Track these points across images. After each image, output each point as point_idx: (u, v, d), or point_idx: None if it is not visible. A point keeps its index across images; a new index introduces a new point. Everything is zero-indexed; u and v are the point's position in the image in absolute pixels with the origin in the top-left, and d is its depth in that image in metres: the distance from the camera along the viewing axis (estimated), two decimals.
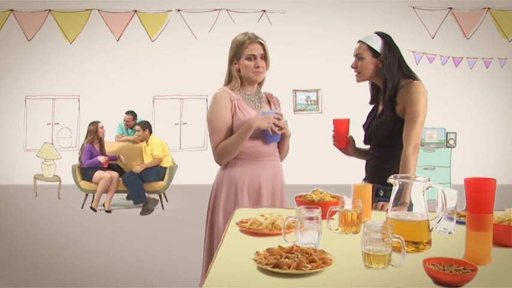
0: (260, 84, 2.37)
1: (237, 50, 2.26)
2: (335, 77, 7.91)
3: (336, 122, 2.38)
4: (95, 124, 6.61)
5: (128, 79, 8.57)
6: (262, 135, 2.23)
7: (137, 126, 6.72)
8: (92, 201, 6.32)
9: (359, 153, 2.42)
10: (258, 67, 2.24)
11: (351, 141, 2.39)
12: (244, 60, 2.25)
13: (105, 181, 6.28)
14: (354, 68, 2.26)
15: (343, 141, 2.37)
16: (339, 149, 2.42)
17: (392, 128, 2.16)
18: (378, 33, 2.24)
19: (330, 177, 6.97)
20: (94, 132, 6.55)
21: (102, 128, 6.62)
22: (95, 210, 6.27)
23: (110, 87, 8.57)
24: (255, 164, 2.25)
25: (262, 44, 2.26)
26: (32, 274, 3.75)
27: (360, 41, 2.25)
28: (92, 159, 6.41)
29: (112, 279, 3.62)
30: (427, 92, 2.13)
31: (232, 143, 2.20)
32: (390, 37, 2.23)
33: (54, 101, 8.87)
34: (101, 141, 6.63)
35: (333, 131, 2.40)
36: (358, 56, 2.23)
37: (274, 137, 2.22)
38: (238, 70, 2.29)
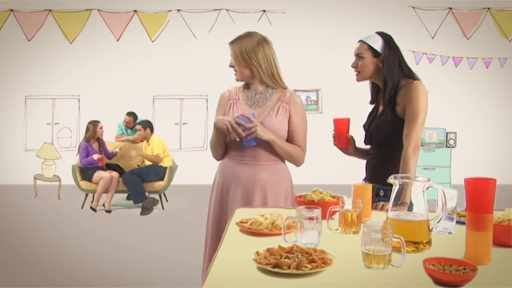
0: (263, 83, 2.31)
1: None
2: (335, 77, 7.91)
3: (336, 122, 2.37)
4: (94, 123, 6.61)
5: (127, 79, 8.57)
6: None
7: (138, 126, 6.74)
8: (92, 201, 6.32)
9: (359, 153, 2.41)
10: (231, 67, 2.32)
11: (351, 141, 2.39)
12: None
13: (105, 181, 6.27)
14: (354, 67, 2.26)
15: (343, 141, 2.37)
16: (339, 148, 2.42)
17: (392, 128, 2.15)
18: (378, 33, 2.24)
19: (330, 177, 6.97)
20: (92, 131, 6.55)
21: (101, 128, 6.62)
22: (95, 210, 6.27)
23: (110, 87, 8.57)
24: (235, 165, 2.27)
25: (230, 44, 2.29)
26: (32, 274, 3.75)
27: (360, 41, 2.25)
28: (88, 158, 6.42)
29: (112, 279, 3.62)
30: (427, 92, 2.13)
31: (211, 140, 2.34)
32: (391, 37, 2.23)
33: (54, 101, 8.87)
34: (99, 141, 6.63)
35: (333, 130, 2.39)
36: (359, 56, 2.23)
37: (248, 141, 2.18)
38: None
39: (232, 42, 2.27)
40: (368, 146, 2.36)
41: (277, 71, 2.29)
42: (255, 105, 2.29)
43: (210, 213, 2.36)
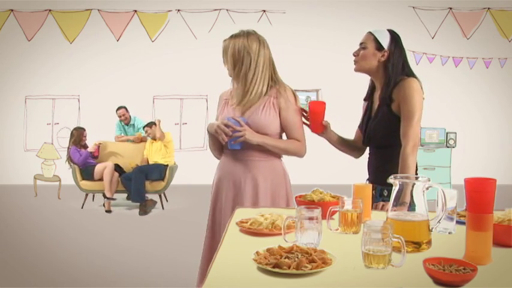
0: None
1: None
2: (335, 77, 7.91)
3: (311, 104, 2.26)
4: (79, 130, 6.73)
5: (127, 79, 8.57)
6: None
7: (146, 128, 6.74)
8: (104, 204, 6.34)
9: (343, 143, 2.36)
10: None
11: (327, 126, 2.29)
12: None
13: (109, 169, 6.30)
14: (355, 55, 2.24)
15: (318, 126, 2.27)
16: (317, 134, 2.32)
17: (390, 128, 2.14)
18: (388, 30, 2.23)
19: (330, 177, 6.97)
20: (79, 138, 6.63)
21: (85, 136, 6.76)
22: (111, 199, 6.27)
23: (110, 87, 8.57)
24: (229, 162, 2.27)
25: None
26: (32, 274, 3.75)
27: (369, 32, 2.24)
28: (83, 155, 6.48)
29: (112, 279, 3.62)
30: (422, 88, 2.12)
31: (208, 142, 2.37)
32: (399, 37, 2.22)
33: (54, 101, 8.87)
34: (84, 146, 6.70)
35: (307, 113, 2.29)
36: (362, 46, 2.22)
37: (233, 145, 2.18)
38: None
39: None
40: (355, 139, 2.38)
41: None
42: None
43: (210, 211, 2.38)
